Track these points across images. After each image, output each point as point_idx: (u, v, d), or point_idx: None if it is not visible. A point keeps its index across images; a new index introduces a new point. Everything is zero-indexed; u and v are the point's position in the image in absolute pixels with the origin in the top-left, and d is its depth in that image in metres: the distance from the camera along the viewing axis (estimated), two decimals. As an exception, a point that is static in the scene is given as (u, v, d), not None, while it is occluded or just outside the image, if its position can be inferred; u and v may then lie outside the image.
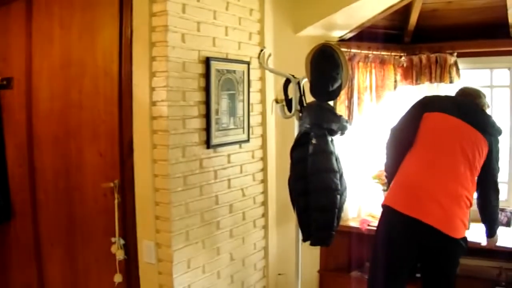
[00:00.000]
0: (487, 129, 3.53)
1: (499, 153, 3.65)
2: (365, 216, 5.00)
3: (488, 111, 3.81)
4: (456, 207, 3.36)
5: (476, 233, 4.42)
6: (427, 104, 3.73)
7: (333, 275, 4.97)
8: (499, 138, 3.64)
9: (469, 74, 5.03)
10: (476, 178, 3.52)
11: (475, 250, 4.44)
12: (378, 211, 4.83)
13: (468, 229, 4.41)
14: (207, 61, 3.59)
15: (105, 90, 3.64)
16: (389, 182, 3.79)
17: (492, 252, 4.37)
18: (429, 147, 3.57)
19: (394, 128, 3.82)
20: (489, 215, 3.80)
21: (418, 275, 4.57)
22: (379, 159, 4.92)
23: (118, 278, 3.62)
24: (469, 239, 4.22)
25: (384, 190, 4.78)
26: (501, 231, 4.38)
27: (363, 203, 5.07)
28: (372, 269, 3.65)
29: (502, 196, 4.76)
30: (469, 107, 3.65)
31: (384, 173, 4.04)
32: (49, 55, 3.93)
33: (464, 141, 3.47)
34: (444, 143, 3.52)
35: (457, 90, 3.97)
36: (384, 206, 3.57)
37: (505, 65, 4.90)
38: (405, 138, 3.66)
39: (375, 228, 4.59)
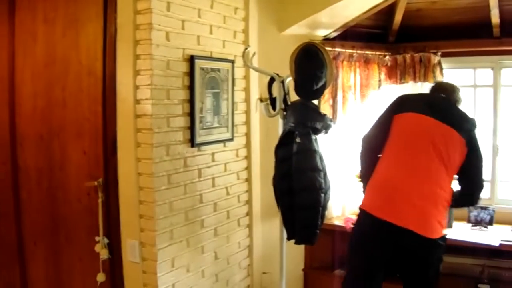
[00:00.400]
0: (462, 126, 3.40)
1: (480, 149, 3.50)
2: (349, 214, 5.01)
3: (461, 107, 3.68)
4: (432, 207, 3.26)
5: (458, 231, 4.45)
6: (397, 106, 3.61)
7: (318, 273, 4.98)
8: (475, 132, 3.49)
9: (453, 74, 5.06)
10: (455, 176, 3.44)
11: (458, 248, 4.47)
12: (362, 210, 4.86)
13: (450, 227, 4.47)
14: (191, 60, 3.58)
15: (89, 88, 3.62)
16: (364, 189, 3.67)
17: (475, 250, 4.41)
18: (402, 149, 3.46)
19: (365, 136, 3.71)
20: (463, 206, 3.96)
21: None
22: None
23: (101, 277, 3.60)
24: (451, 237, 4.28)
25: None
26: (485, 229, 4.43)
27: (347, 201, 5.09)
28: (347, 271, 3.61)
29: (485, 194, 4.82)
30: (442, 104, 3.54)
31: (360, 181, 3.88)
32: (32, 53, 3.90)
33: (437, 139, 3.35)
34: (416, 143, 3.41)
35: (432, 85, 3.92)
36: (359, 209, 3.49)
37: (488, 64, 4.92)
38: (378, 145, 3.55)
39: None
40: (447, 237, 3.43)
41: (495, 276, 4.50)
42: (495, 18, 4.51)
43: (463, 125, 3.41)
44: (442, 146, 3.33)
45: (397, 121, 3.51)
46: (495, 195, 4.90)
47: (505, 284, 4.44)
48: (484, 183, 3.59)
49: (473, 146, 3.41)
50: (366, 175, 3.62)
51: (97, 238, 3.59)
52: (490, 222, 4.57)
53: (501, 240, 4.19)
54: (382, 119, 3.64)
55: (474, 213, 4.64)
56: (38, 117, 3.90)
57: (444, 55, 4.84)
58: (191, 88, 3.61)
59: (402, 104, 3.60)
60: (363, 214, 3.41)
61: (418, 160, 3.36)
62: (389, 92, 5.08)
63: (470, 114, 3.53)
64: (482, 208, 4.64)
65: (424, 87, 4.96)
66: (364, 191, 3.63)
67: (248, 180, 4.35)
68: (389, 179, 3.41)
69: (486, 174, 4.81)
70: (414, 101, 3.66)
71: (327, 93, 4.57)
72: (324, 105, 4.72)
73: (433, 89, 3.81)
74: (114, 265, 3.62)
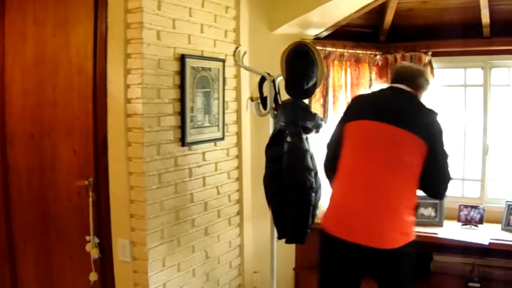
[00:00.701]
0: (419, 124, 3.15)
1: (443, 143, 3.25)
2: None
3: (426, 90, 3.48)
4: (390, 218, 3.09)
5: (448, 230, 4.47)
6: (348, 112, 3.44)
7: (309, 272, 4.98)
8: (438, 126, 3.23)
9: (444, 73, 5.08)
10: (417, 179, 3.18)
11: (448, 247, 4.49)
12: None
13: (441, 226, 4.48)
14: (182, 59, 3.58)
15: (80, 87, 3.61)
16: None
17: (465, 249, 4.43)
18: (354, 161, 3.28)
19: (328, 144, 3.56)
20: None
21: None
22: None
23: (93, 276, 3.60)
24: (441, 236, 4.30)
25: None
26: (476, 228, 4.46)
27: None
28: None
29: (475, 194, 4.85)
30: (395, 104, 3.29)
31: None
32: (22, 51, 3.89)
33: (390, 146, 3.15)
34: (368, 154, 3.21)
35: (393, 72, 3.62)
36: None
37: (479, 64, 4.94)
38: (338, 154, 3.37)
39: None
40: (415, 241, 3.23)
41: (485, 275, 4.51)
42: (485, 18, 4.52)
43: (420, 123, 3.16)
44: (396, 153, 3.15)
45: (348, 131, 3.34)
46: (485, 194, 4.92)
47: (495, 283, 4.46)
48: (451, 178, 3.34)
49: (433, 143, 3.16)
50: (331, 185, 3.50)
51: (87, 238, 3.58)
52: (480, 221, 4.59)
53: (491, 239, 4.21)
54: (337, 127, 3.47)
55: (464, 212, 4.66)
56: (28, 116, 3.89)
57: (434, 54, 4.85)
58: (181, 87, 3.61)
59: (353, 110, 3.43)
60: (322, 233, 3.31)
61: (372, 171, 3.17)
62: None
63: (430, 105, 3.33)
64: (472, 207, 4.67)
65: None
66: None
67: (239, 179, 4.35)
68: (342, 195, 3.28)
69: (475, 173, 4.89)
70: (365, 105, 3.43)
71: (318, 92, 4.57)
72: (315, 104, 4.73)
73: (392, 79, 3.51)
74: (105, 265, 3.62)
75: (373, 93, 3.82)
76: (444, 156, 3.27)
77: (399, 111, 3.23)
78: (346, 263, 3.22)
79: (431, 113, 3.25)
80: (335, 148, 3.41)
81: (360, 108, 3.40)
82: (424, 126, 3.16)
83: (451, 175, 3.35)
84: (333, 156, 3.42)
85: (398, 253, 3.10)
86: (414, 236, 3.21)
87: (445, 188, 3.36)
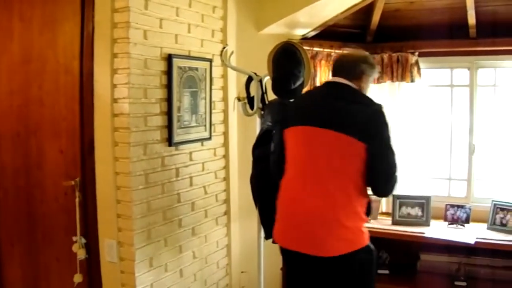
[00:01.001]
0: (356, 123, 2.96)
1: (386, 140, 3.02)
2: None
3: (372, 74, 3.27)
4: (329, 226, 2.93)
5: (435, 229, 4.49)
6: (284, 118, 3.28)
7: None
8: (378, 122, 3.01)
9: (430, 73, 5.10)
10: (360, 181, 3.00)
11: (435, 246, 4.52)
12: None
13: (428, 226, 4.51)
14: (169, 58, 3.57)
15: (66, 86, 3.60)
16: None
17: (452, 248, 4.45)
18: (293, 169, 3.16)
19: (272, 151, 3.45)
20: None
21: (380, 271, 4.68)
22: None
23: (77, 278, 3.58)
24: (428, 235, 4.32)
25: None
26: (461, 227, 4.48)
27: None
28: None
29: (461, 193, 4.88)
30: (328, 104, 3.09)
31: None
32: (8, 50, 3.87)
33: (323, 151, 3.00)
34: (305, 161, 3.08)
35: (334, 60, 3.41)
36: None
37: (465, 65, 4.97)
38: (281, 161, 3.26)
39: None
40: (371, 246, 3.09)
41: (471, 274, 4.55)
42: (471, 19, 4.55)
43: (357, 122, 2.96)
44: (331, 158, 2.99)
45: (286, 138, 3.23)
46: (471, 193, 4.95)
47: (481, 281, 4.50)
48: (396, 176, 3.08)
49: (372, 142, 2.94)
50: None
51: (74, 238, 3.57)
52: (467, 220, 4.61)
53: (477, 238, 4.23)
54: (277, 134, 3.35)
55: (450, 211, 4.68)
56: (15, 115, 3.87)
57: (421, 55, 4.87)
58: (168, 87, 3.60)
59: (287, 115, 3.27)
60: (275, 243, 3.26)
61: (308, 179, 3.04)
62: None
63: (373, 97, 3.12)
64: (458, 206, 4.69)
65: (401, 87, 5.00)
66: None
67: (226, 179, 4.35)
68: (285, 204, 3.18)
69: (461, 173, 4.91)
70: (298, 108, 3.28)
71: (305, 92, 4.58)
72: (302, 105, 4.73)
73: (331, 71, 3.31)
74: (92, 265, 3.60)
75: (308, 92, 3.64)
76: (388, 153, 3.04)
77: (331, 112, 3.05)
78: (300, 273, 3.17)
79: (371, 108, 3.03)
80: (278, 155, 3.33)
81: (294, 111, 3.27)
82: (361, 125, 2.96)
83: (397, 172, 3.10)
84: (279, 164, 3.29)
85: (345, 261, 2.96)
86: (365, 242, 3.04)
87: (392, 186, 3.13)
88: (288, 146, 3.21)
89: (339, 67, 3.24)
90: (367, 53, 3.45)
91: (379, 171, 3.02)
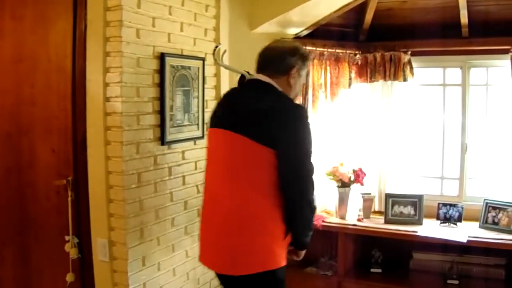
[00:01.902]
0: (266, 128, 2.65)
1: (301, 151, 2.72)
2: (320, 212, 5.03)
3: (304, 66, 2.94)
4: (238, 242, 2.70)
5: (427, 228, 4.50)
6: (211, 117, 3.03)
7: (288, 271, 4.93)
8: (295, 129, 2.69)
9: (423, 73, 5.11)
10: (275, 194, 2.71)
11: (427, 245, 4.54)
12: (332, 207, 4.91)
13: (420, 225, 4.52)
14: (161, 57, 3.56)
15: (58, 85, 3.58)
16: None
17: (444, 246, 4.47)
18: (208, 176, 2.96)
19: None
20: (296, 227, 2.84)
21: (373, 270, 4.69)
22: (333, 156, 4.98)
23: (70, 277, 3.57)
24: (421, 234, 4.33)
25: (338, 187, 4.83)
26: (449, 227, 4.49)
27: (317, 199, 5.09)
28: None
29: (453, 192, 4.89)
30: (243, 104, 2.81)
31: None
32: None
33: (233, 158, 2.73)
34: (217, 168, 2.83)
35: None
36: None
37: (457, 64, 4.99)
38: None
39: (329, 224, 4.68)
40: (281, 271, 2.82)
41: (464, 272, 4.57)
42: (464, 18, 4.56)
43: (270, 127, 2.65)
44: (240, 166, 2.71)
45: (207, 140, 3.04)
46: (463, 192, 4.97)
47: (473, 280, 4.52)
48: (310, 204, 2.81)
49: (284, 147, 2.65)
50: None
51: (67, 237, 3.55)
52: (459, 219, 4.62)
53: (469, 237, 4.25)
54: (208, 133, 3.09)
55: (443, 210, 4.70)
56: (6, 115, 3.85)
57: (414, 54, 4.89)
58: (161, 86, 3.59)
59: (213, 115, 3.03)
60: None
61: (218, 190, 2.80)
62: (359, 90, 5.12)
63: (294, 101, 2.87)
64: (451, 205, 4.71)
65: (394, 86, 5.02)
66: None
67: (219, 178, 4.34)
68: (202, 218, 3.00)
69: (453, 171, 4.93)
70: (219, 107, 3.04)
71: (298, 91, 4.58)
72: (295, 103, 4.73)
73: (257, 65, 2.98)
74: (84, 265, 3.59)
75: (230, 91, 3.25)
76: (301, 169, 2.71)
77: (244, 113, 2.75)
78: None
79: (285, 109, 2.70)
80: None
81: (215, 113, 3.01)
82: (275, 131, 2.64)
83: (313, 200, 2.80)
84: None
85: (254, 281, 2.72)
86: (280, 263, 2.78)
87: (304, 217, 2.80)
88: (207, 150, 3.02)
89: (263, 62, 2.92)
90: (297, 43, 3.13)
91: (289, 190, 2.71)
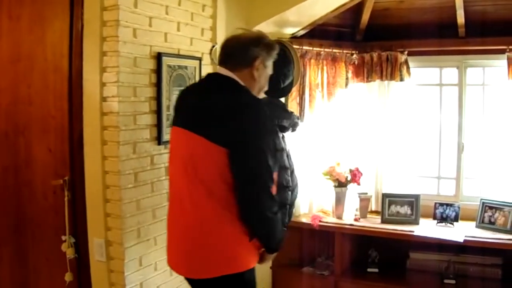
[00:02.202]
0: (222, 126, 2.52)
1: (255, 141, 2.53)
2: (317, 212, 5.04)
3: (269, 56, 2.78)
4: (198, 244, 2.61)
5: (424, 228, 4.50)
6: (174, 114, 2.93)
7: (286, 271, 5.00)
8: (252, 127, 2.52)
9: (419, 72, 5.12)
10: (232, 196, 2.57)
11: (424, 244, 4.54)
12: (329, 207, 4.91)
13: (417, 224, 4.53)
14: (158, 57, 3.56)
15: (55, 85, 3.58)
16: None
17: (441, 246, 4.48)
18: (171, 175, 2.85)
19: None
20: (257, 235, 2.70)
21: (369, 270, 4.70)
22: (330, 156, 4.99)
23: (69, 277, 3.57)
24: (418, 233, 4.33)
25: (335, 187, 4.83)
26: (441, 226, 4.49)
27: (314, 199, 5.11)
28: None
29: (450, 191, 4.90)
30: (200, 101, 2.67)
31: None
32: (-4, 48, 3.85)
33: (190, 158, 2.59)
34: (177, 168, 2.72)
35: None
36: None
37: (454, 64, 4.99)
38: None
39: (326, 224, 4.68)
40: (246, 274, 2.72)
41: (460, 272, 4.58)
42: (460, 18, 4.57)
43: (225, 125, 2.52)
44: (196, 166, 2.58)
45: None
46: (460, 192, 4.97)
47: (470, 279, 4.52)
48: (267, 193, 2.58)
49: (239, 145, 2.51)
50: None
51: (63, 237, 3.55)
52: (456, 219, 4.63)
53: (466, 236, 4.25)
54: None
55: (439, 210, 4.70)
56: (3, 114, 3.84)
57: (410, 54, 4.89)
58: (158, 85, 3.59)
59: (175, 112, 2.93)
60: None
61: (179, 190, 2.70)
62: (356, 90, 5.13)
63: (249, 96, 2.66)
64: (447, 205, 4.71)
65: (391, 86, 5.02)
66: None
67: (216, 178, 4.34)
68: (167, 216, 2.90)
69: (449, 171, 4.94)
70: (177, 104, 2.92)
71: (294, 91, 4.58)
72: (292, 103, 4.73)
73: (219, 58, 2.85)
74: (81, 265, 3.59)
75: (189, 87, 3.10)
76: (253, 171, 2.53)
77: (199, 111, 2.63)
78: None
79: (244, 109, 2.55)
80: None
81: (178, 108, 2.89)
82: (228, 129, 2.51)
83: (270, 203, 2.59)
84: None
85: (222, 284, 2.64)
86: (247, 266, 2.70)
87: (264, 225, 2.63)
88: (169, 149, 2.90)
89: (224, 54, 2.76)
90: (261, 32, 2.88)
91: (242, 185, 2.54)
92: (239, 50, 2.69)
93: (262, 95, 2.99)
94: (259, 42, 2.72)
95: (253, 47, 2.68)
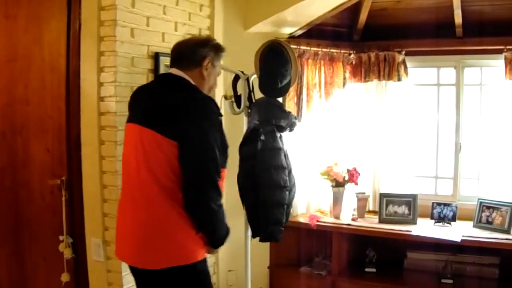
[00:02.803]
0: (171, 121, 2.60)
1: (202, 135, 2.60)
2: (314, 211, 5.03)
3: (217, 56, 2.89)
4: (149, 236, 2.65)
5: (421, 228, 4.51)
6: (128, 112, 2.94)
7: (283, 270, 4.99)
8: (198, 122, 2.60)
9: (417, 72, 5.11)
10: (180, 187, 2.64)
11: (421, 244, 4.54)
12: (327, 207, 4.90)
13: (414, 224, 4.53)
14: (156, 57, 3.57)
15: (52, 85, 3.59)
16: None
17: (438, 246, 4.48)
18: (123, 172, 2.86)
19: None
20: (203, 222, 2.72)
21: (367, 269, 4.69)
22: (328, 156, 4.98)
23: (65, 277, 3.57)
24: (415, 233, 4.33)
25: (332, 186, 4.83)
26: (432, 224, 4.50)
27: (312, 199, 5.10)
28: None
29: (447, 191, 4.90)
30: (153, 98, 2.75)
31: None
32: (-7, 48, 3.85)
33: (144, 152, 2.64)
34: (130, 163, 2.75)
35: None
36: None
37: (451, 64, 4.99)
38: None
39: (324, 224, 4.68)
40: (201, 263, 2.78)
41: (458, 271, 4.57)
42: (458, 18, 4.56)
43: (174, 118, 2.61)
44: (150, 160, 2.63)
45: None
46: (457, 191, 4.96)
47: (467, 279, 4.52)
48: (213, 190, 2.65)
49: (186, 139, 2.59)
50: None
51: (61, 237, 3.55)
52: (453, 218, 4.63)
53: (463, 236, 4.24)
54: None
55: (437, 209, 4.70)
56: (0, 114, 3.84)
57: (408, 54, 4.88)
58: (155, 85, 3.59)
59: (129, 109, 2.95)
60: None
61: (132, 183, 2.73)
62: (353, 90, 5.12)
63: (195, 92, 2.72)
64: (445, 204, 4.71)
65: (388, 86, 5.02)
66: None
67: (214, 177, 4.33)
68: (118, 208, 2.90)
69: (447, 171, 4.94)
70: (130, 102, 2.94)
71: (292, 91, 4.58)
72: (289, 103, 4.73)
73: (170, 60, 2.91)
74: (79, 265, 3.59)
75: (142, 86, 3.06)
76: (199, 167, 2.61)
77: (153, 108, 2.70)
78: (138, 286, 2.93)
79: (195, 106, 2.64)
80: None
81: (132, 105, 2.92)
82: (179, 125, 2.60)
83: (214, 202, 2.64)
84: None
85: (166, 276, 2.68)
86: (196, 258, 2.73)
87: (206, 222, 2.69)
88: (123, 145, 2.92)
89: (175, 56, 2.88)
90: (210, 36, 3.03)
91: (188, 176, 2.61)
92: (189, 51, 2.82)
93: (212, 93, 3.19)
94: (207, 43, 2.87)
95: (201, 48, 2.82)
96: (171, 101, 2.67)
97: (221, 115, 2.76)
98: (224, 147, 2.79)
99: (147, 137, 2.64)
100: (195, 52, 2.81)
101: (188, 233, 2.69)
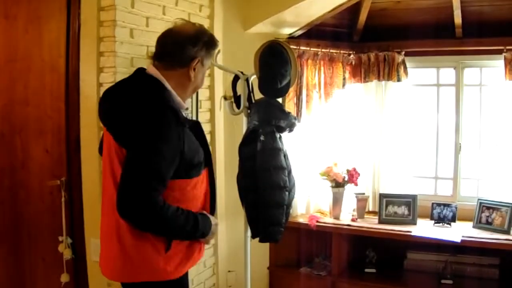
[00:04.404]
0: (125, 123, 2.41)
1: (141, 140, 2.35)
2: (314, 212, 5.03)
3: (206, 58, 2.62)
4: (114, 247, 2.46)
5: (421, 228, 4.50)
6: None
7: (283, 271, 4.99)
8: (139, 123, 2.36)
9: (417, 73, 5.11)
10: None
11: (421, 245, 4.54)
12: (326, 207, 4.90)
13: (414, 224, 4.53)
14: (155, 57, 3.56)
15: (52, 85, 3.58)
16: None
17: (438, 246, 4.48)
18: (102, 175, 2.65)
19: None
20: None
21: (367, 270, 4.69)
22: (327, 156, 4.98)
23: (65, 278, 3.56)
24: (415, 233, 4.33)
25: (332, 187, 4.83)
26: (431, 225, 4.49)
27: (311, 199, 5.10)
28: None
29: (447, 192, 4.90)
30: (117, 98, 2.55)
31: None
32: (-8, 49, 3.84)
33: (107, 156, 2.51)
34: (104, 169, 2.58)
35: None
36: None
37: (451, 64, 4.99)
38: None
39: (324, 224, 4.68)
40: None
41: (458, 272, 4.57)
42: (457, 18, 4.56)
43: (127, 121, 2.40)
44: (111, 164, 2.47)
45: None
46: (457, 192, 4.97)
47: (467, 279, 4.52)
48: (137, 197, 2.30)
49: (130, 144, 2.38)
50: None
51: (60, 238, 3.55)
52: (453, 219, 4.62)
53: (463, 236, 4.24)
54: None
55: (437, 210, 4.70)
56: (-1, 115, 3.85)
57: (407, 54, 4.89)
58: (155, 86, 3.58)
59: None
60: None
61: (103, 189, 2.59)
62: (353, 91, 5.12)
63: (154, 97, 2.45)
64: (445, 205, 4.71)
65: (388, 86, 5.02)
66: None
67: (213, 178, 4.33)
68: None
69: (447, 172, 4.94)
70: (102, 101, 2.68)
71: (291, 91, 4.58)
72: (289, 103, 4.73)
73: (154, 52, 2.68)
74: (78, 265, 3.59)
75: (115, 84, 2.74)
76: (133, 159, 2.35)
77: (110, 112, 2.53)
78: None
79: (148, 115, 2.38)
80: None
81: (101, 106, 2.67)
82: (128, 131, 2.39)
83: (138, 192, 2.31)
84: None
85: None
86: (163, 277, 2.50)
87: (127, 205, 2.31)
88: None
89: (159, 51, 2.61)
90: (202, 27, 2.68)
91: (122, 177, 2.36)
92: (177, 49, 2.53)
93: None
94: (198, 41, 2.54)
95: (191, 47, 2.51)
96: (127, 109, 2.41)
97: (183, 125, 2.47)
98: (185, 157, 2.47)
99: (108, 140, 2.49)
100: (183, 51, 2.51)
101: (157, 250, 2.47)
